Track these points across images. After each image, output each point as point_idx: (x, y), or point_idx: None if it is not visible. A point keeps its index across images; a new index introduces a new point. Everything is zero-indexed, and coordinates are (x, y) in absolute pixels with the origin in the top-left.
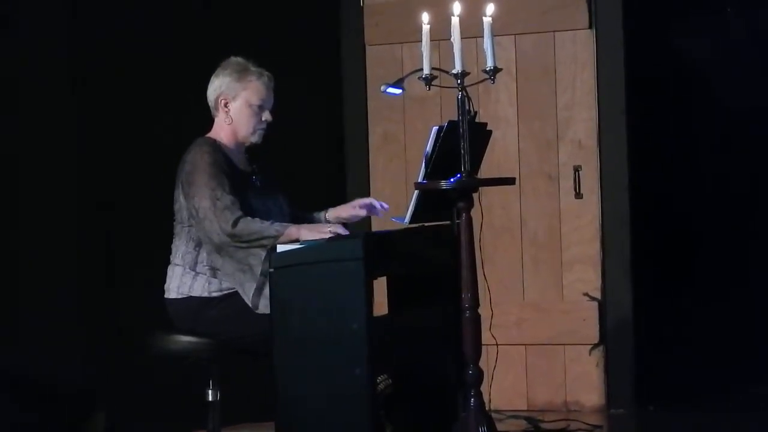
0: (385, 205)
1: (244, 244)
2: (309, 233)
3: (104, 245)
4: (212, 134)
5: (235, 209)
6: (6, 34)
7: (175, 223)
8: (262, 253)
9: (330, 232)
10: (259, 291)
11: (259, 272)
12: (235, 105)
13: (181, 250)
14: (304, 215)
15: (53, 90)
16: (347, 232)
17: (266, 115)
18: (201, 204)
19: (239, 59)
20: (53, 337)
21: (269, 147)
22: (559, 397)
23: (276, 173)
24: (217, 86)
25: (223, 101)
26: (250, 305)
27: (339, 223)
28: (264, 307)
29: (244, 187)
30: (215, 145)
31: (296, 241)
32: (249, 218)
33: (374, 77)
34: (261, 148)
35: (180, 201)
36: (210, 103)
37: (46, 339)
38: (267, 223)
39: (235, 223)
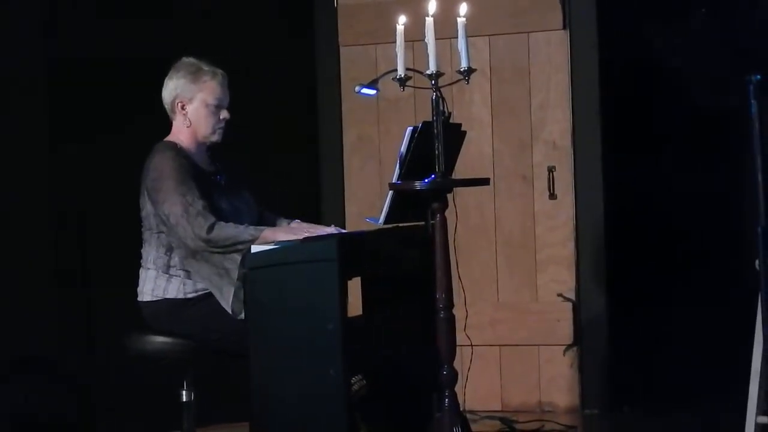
0: None
1: (219, 250)
2: (285, 236)
3: (78, 248)
4: (172, 137)
5: (208, 214)
6: None
7: (143, 229)
8: (238, 257)
9: (305, 233)
10: (237, 297)
11: (235, 276)
12: (193, 107)
13: (152, 255)
14: (271, 217)
15: (26, 95)
16: (326, 232)
17: (224, 113)
18: (172, 210)
19: (191, 59)
20: (29, 340)
21: (244, 147)
22: (534, 397)
23: (248, 174)
24: (172, 89)
25: (179, 104)
26: (229, 311)
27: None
28: (244, 312)
29: (210, 188)
30: (177, 149)
31: (271, 243)
32: (223, 223)
33: (348, 78)
34: (235, 147)
35: (147, 208)
36: (166, 106)
37: (23, 341)
38: (242, 228)
39: (210, 229)
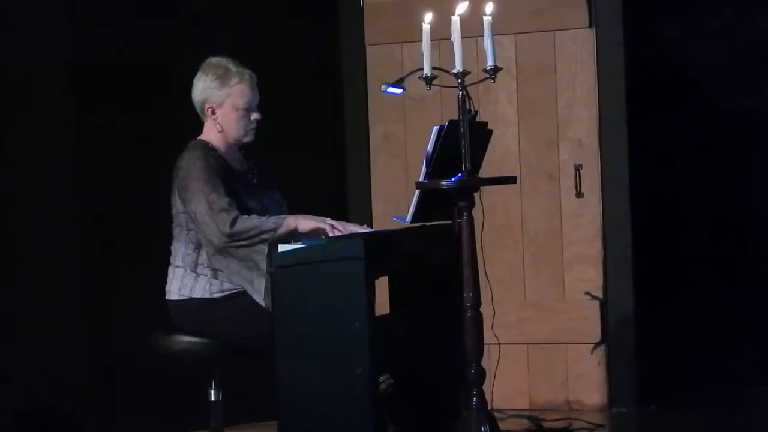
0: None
1: (244, 242)
2: (306, 222)
3: (103, 246)
4: (204, 137)
5: (232, 210)
6: (3, 34)
7: (173, 226)
8: (265, 248)
9: (328, 223)
10: (268, 289)
11: (265, 268)
12: (223, 112)
13: (180, 252)
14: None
15: (50, 89)
16: (354, 229)
17: (255, 115)
18: (198, 209)
19: (219, 60)
20: (54, 338)
21: (270, 147)
22: (561, 396)
23: (275, 173)
24: (201, 91)
25: (209, 109)
26: (262, 304)
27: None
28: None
29: (239, 187)
30: (207, 149)
31: (295, 231)
32: (245, 216)
33: (374, 77)
34: (262, 147)
35: (177, 206)
36: (196, 107)
37: (47, 340)
38: (264, 218)
39: (232, 223)
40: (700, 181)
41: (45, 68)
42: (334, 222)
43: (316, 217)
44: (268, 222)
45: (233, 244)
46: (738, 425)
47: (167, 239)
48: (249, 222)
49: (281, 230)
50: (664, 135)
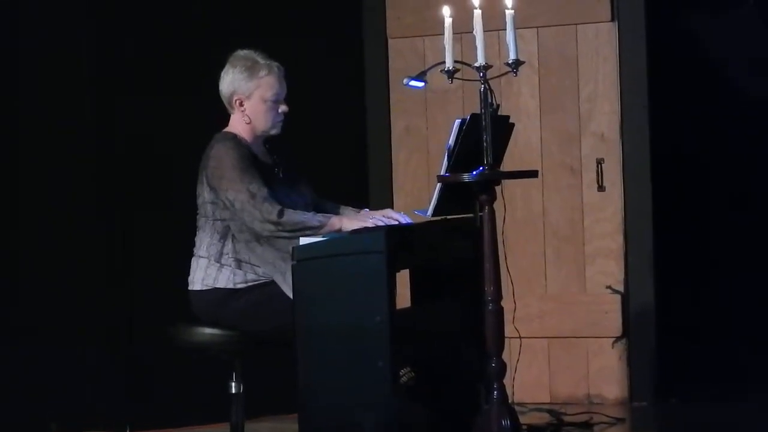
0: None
1: (287, 234)
2: (351, 223)
3: (125, 238)
4: (230, 129)
5: (274, 201)
6: (26, 26)
7: (198, 216)
8: None
9: (372, 222)
10: None
11: None
12: (251, 103)
13: (205, 242)
14: (329, 206)
15: (72, 80)
16: (398, 217)
17: (283, 107)
18: (237, 197)
19: (247, 53)
20: (74, 329)
21: (292, 139)
22: (582, 389)
23: (298, 165)
24: (229, 83)
25: (237, 101)
26: (290, 295)
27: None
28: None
29: (269, 180)
30: (237, 140)
31: (339, 231)
32: (292, 210)
33: (396, 70)
34: (283, 139)
35: (204, 195)
36: (224, 100)
37: (68, 331)
38: (309, 214)
39: (280, 214)
40: (724, 173)
41: (67, 55)
42: (377, 218)
43: (359, 216)
44: (314, 219)
45: (276, 233)
46: (760, 419)
47: (189, 230)
48: (296, 216)
49: (325, 229)
50: (686, 128)
